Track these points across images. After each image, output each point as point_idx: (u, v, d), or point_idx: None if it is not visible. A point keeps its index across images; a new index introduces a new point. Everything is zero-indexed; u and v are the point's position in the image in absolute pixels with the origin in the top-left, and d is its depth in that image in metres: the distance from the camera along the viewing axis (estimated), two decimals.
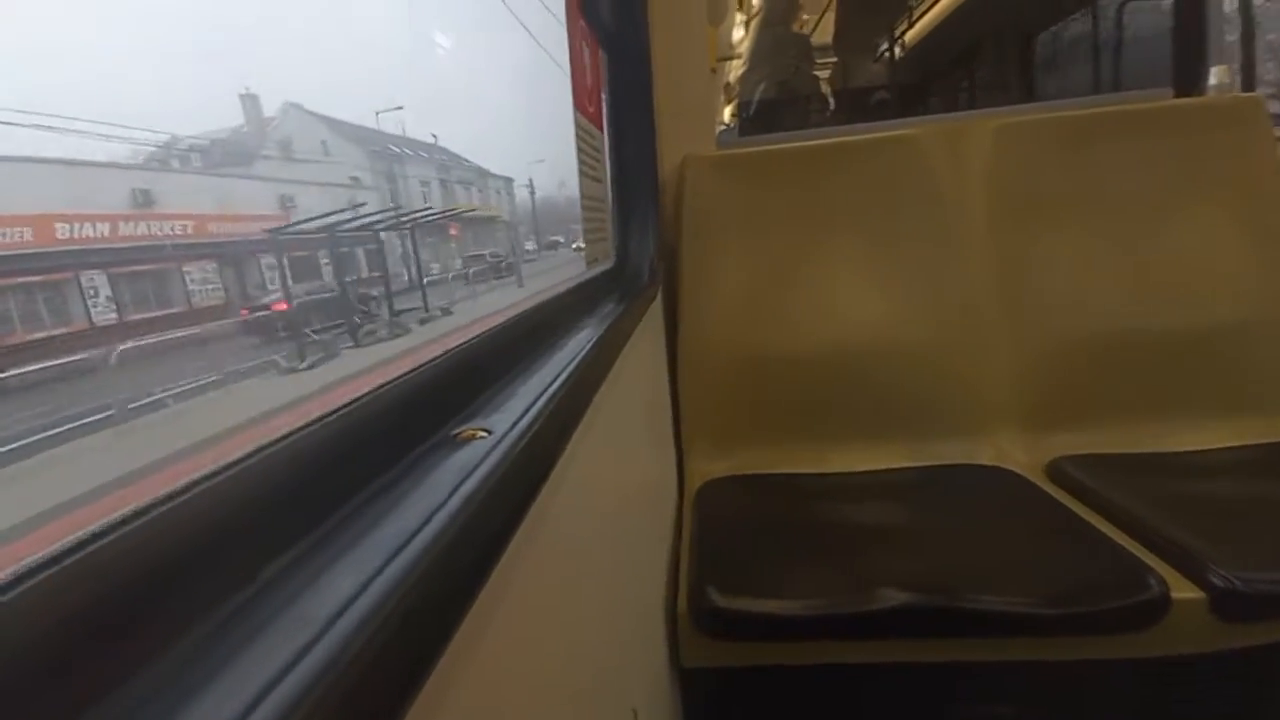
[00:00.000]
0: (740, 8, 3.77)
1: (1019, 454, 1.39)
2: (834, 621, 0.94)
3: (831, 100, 3.50)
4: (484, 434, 0.45)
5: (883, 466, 1.40)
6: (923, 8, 3.98)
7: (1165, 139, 1.44)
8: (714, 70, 1.99)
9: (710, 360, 1.52)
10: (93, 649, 0.22)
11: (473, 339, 0.63)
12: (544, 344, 0.74)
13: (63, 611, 0.21)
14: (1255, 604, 0.92)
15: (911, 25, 4.19)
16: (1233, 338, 1.39)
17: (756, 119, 3.17)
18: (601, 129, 1.44)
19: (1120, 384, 1.42)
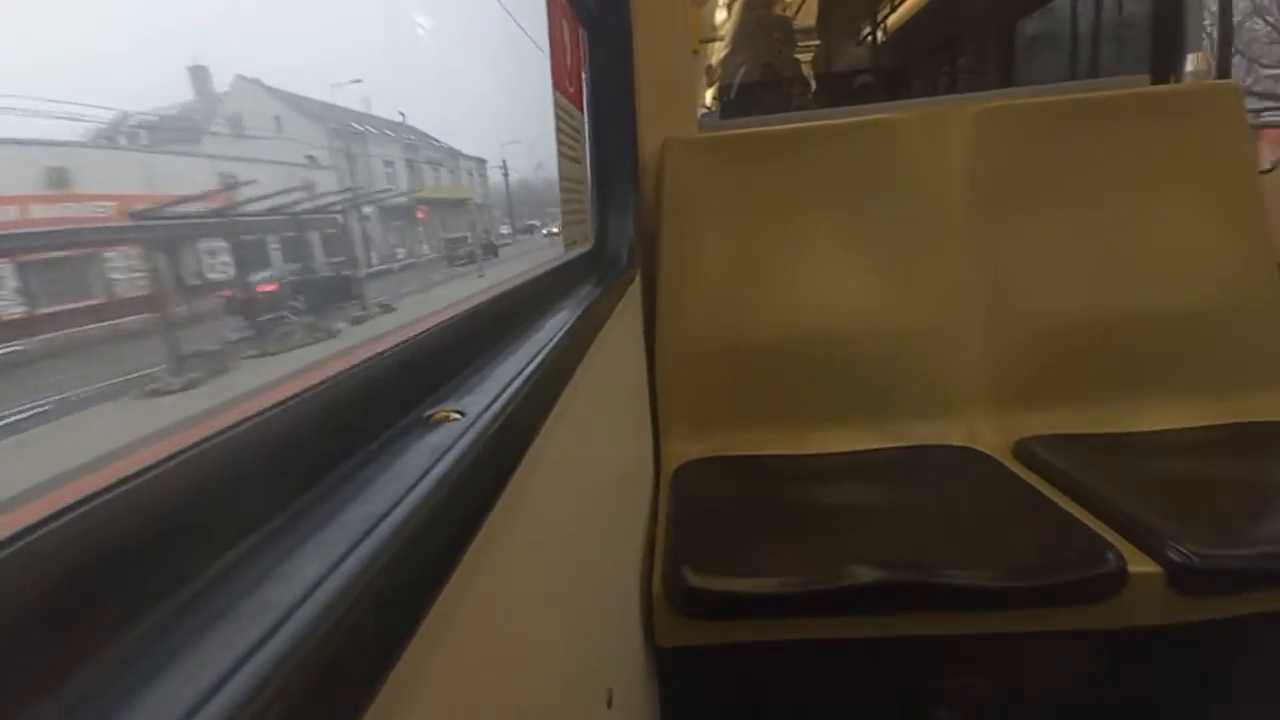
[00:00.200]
0: None
1: (989, 434, 1.41)
2: (807, 598, 0.96)
3: (813, 83, 3.49)
4: (457, 416, 0.44)
5: (857, 448, 1.41)
6: None
7: (1142, 125, 1.45)
8: (696, 52, 1.98)
9: (688, 343, 1.52)
10: (36, 641, 0.21)
11: (447, 320, 0.62)
12: (520, 326, 0.74)
13: (11, 597, 0.21)
14: (1210, 578, 0.95)
15: (894, 9, 4.18)
16: (1197, 321, 1.42)
17: (738, 102, 3.15)
18: (581, 109, 1.42)
19: (1089, 366, 1.44)
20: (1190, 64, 1.61)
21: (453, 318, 0.63)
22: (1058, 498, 1.13)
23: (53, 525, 0.23)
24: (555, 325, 0.73)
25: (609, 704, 0.72)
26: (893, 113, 1.51)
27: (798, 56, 3.41)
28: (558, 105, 1.23)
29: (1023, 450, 1.33)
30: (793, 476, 1.33)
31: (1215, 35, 1.94)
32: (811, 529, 1.11)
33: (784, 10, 3.69)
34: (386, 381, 0.47)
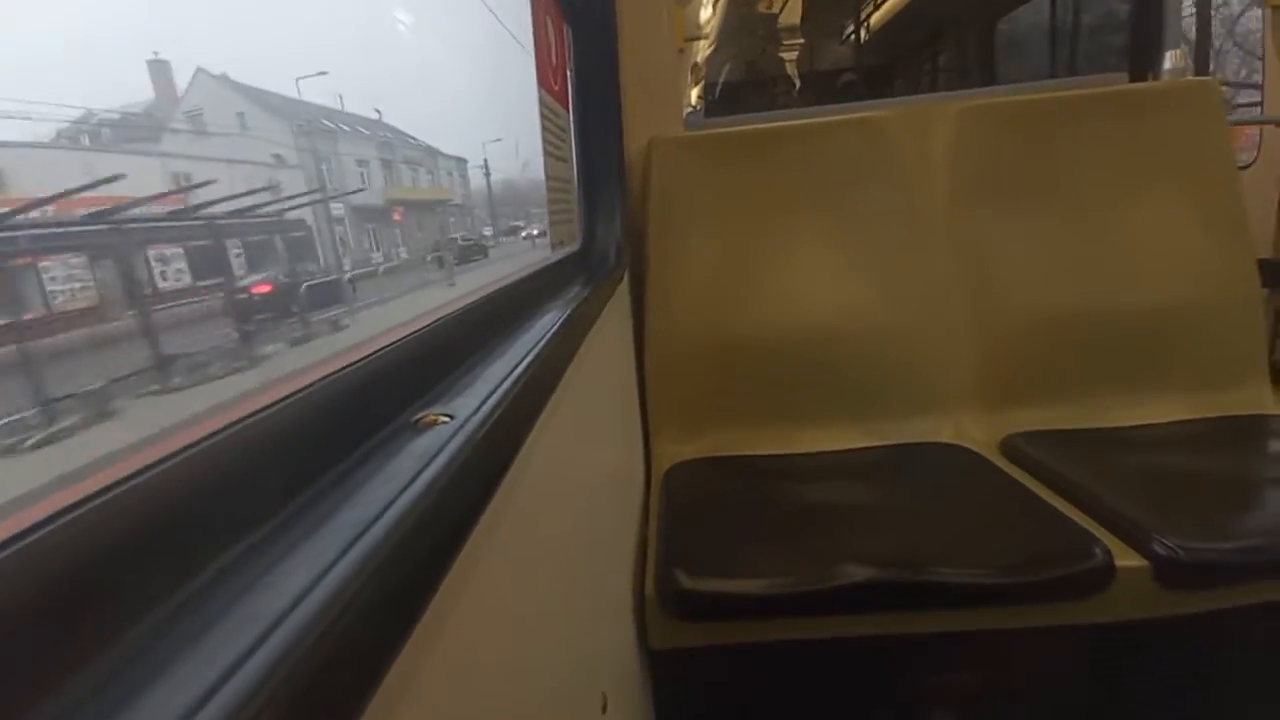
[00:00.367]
0: None
1: (976, 431, 1.43)
2: (799, 599, 0.96)
3: (797, 81, 3.51)
4: (446, 419, 0.44)
5: (846, 446, 1.42)
6: None
7: (1121, 122, 1.47)
8: (681, 50, 1.98)
9: (677, 343, 1.52)
10: (25, 648, 0.20)
11: (435, 322, 0.61)
12: (509, 327, 0.73)
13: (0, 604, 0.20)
14: (1196, 572, 0.96)
15: (877, 8, 4.21)
16: (1181, 316, 1.44)
17: (723, 100, 3.16)
18: (567, 108, 1.42)
19: (1073, 362, 1.46)
20: (1169, 61, 1.63)
21: (441, 319, 0.63)
22: (1045, 493, 1.14)
23: (37, 534, 0.22)
24: (544, 326, 0.73)
25: (603, 709, 0.72)
26: (876, 111, 1.52)
27: (782, 55, 3.42)
28: (543, 103, 1.22)
29: (1009, 447, 1.34)
30: (782, 476, 1.33)
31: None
32: (802, 529, 1.11)
33: (768, 8, 3.70)
34: (375, 385, 0.46)
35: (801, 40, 3.86)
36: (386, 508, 0.31)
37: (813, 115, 1.58)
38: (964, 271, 1.49)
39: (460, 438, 0.40)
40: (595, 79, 1.50)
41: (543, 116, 1.22)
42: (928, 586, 0.94)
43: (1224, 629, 1.03)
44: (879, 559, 0.97)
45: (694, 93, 4.05)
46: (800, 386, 1.49)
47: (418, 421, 0.43)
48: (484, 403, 0.46)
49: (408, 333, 0.56)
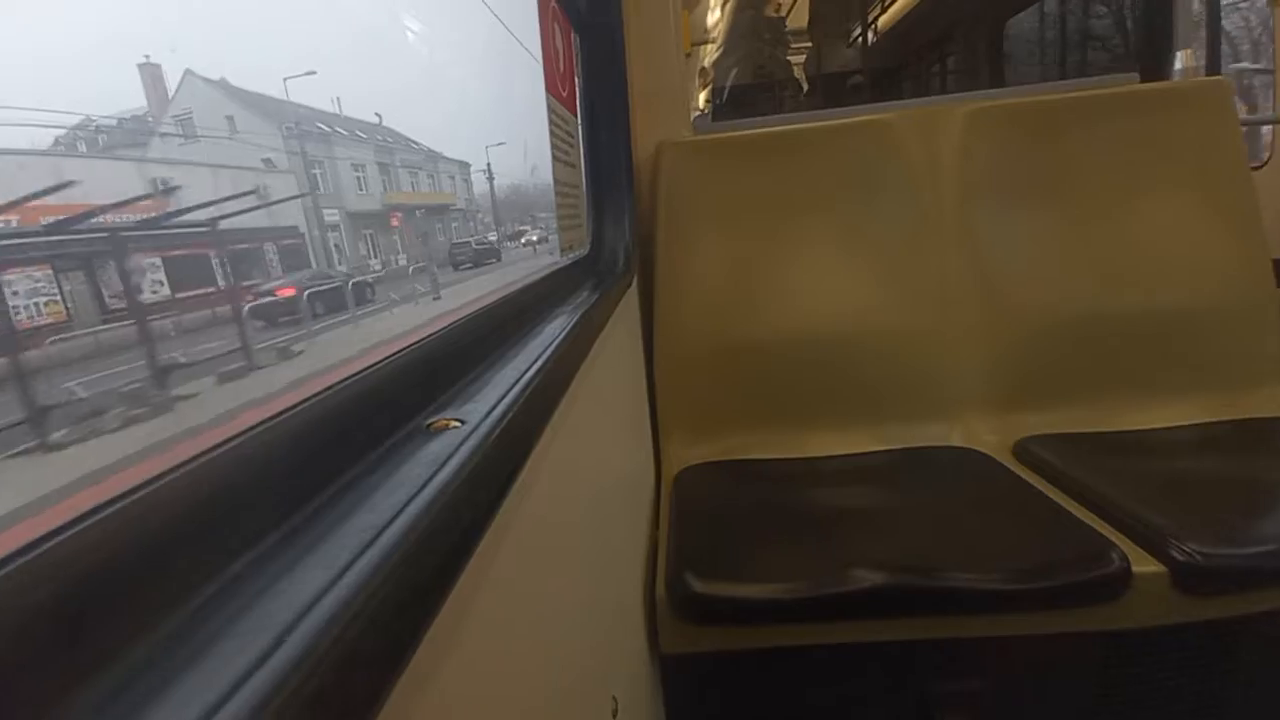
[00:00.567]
0: None
1: (988, 435, 1.41)
2: (810, 603, 0.95)
3: (805, 84, 3.51)
4: (457, 424, 0.44)
5: (857, 450, 1.41)
6: None
7: (1132, 123, 1.46)
8: (688, 54, 1.98)
9: (686, 347, 1.52)
10: (47, 651, 0.21)
11: (446, 328, 0.61)
12: (519, 333, 0.73)
13: (14, 612, 0.20)
14: (1215, 577, 0.94)
15: (885, 10, 4.20)
16: (1195, 318, 1.42)
17: (730, 104, 3.16)
18: (575, 113, 1.42)
19: (1086, 365, 1.45)
20: (1179, 61, 1.62)
21: (451, 325, 0.63)
22: (1059, 498, 1.13)
23: (52, 541, 0.23)
24: (553, 331, 0.73)
25: (614, 713, 0.71)
26: (885, 113, 1.52)
27: (790, 58, 3.42)
28: (551, 109, 1.23)
29: (1022, 450, 1.33)
30: (793, 480, 1.33)
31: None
32: (813, 533, 1.11)
33: (776, 11, 3.71)
34: (386, 390, 0.47)
35: (809, 43, 3.86)
36: (399, 513, 0.31)
37: (821, 118, 1.57)
38: (975, 273, 1.48)
39: (472, 443, 0.40)
40: (603, 84, 1.51)
41: (551, 121, 1.22)
42: (941, 592, 0.93)
43: (1243, 636, 1.01)
44: (892, 564, 0.96)
45: (702, 96, 4.05)
46: (811, 390, 1.49)
47: (429, 427, 0.44)
48: (495, 408, 0.46)
49: (419, 339, 0.56)
